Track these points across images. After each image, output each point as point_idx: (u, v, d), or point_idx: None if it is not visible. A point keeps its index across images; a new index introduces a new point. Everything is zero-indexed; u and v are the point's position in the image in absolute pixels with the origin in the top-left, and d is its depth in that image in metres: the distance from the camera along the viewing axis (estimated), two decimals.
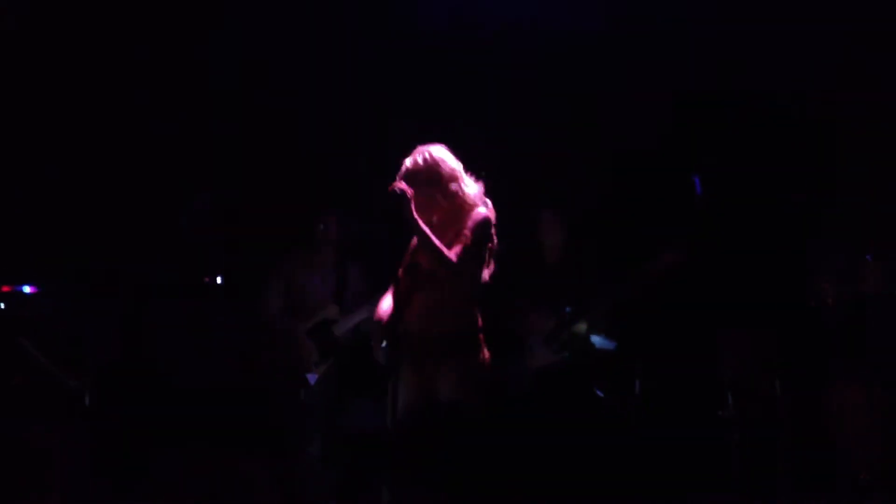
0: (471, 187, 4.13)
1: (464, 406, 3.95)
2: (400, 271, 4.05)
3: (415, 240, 4.03)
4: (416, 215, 3.96)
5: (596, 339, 5.57)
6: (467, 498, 3.71)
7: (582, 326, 5.50)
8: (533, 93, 6.03)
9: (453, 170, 4.09)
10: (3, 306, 4.80)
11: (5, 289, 4.89)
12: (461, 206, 4.09)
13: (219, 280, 4.97)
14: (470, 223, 4.03)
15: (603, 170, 5.99)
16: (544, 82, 6.01)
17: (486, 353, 4.09)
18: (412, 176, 4.05)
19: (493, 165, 4.20)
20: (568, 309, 5.49)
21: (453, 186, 4.08)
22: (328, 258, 5.52)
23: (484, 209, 4.08)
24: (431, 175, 4.06)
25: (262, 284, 5.49)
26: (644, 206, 5.89)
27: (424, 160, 4.08)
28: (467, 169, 4.13)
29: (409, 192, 3.96)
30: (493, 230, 4.07)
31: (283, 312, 5.44)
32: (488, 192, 4.15)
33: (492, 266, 4.09)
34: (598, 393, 5.55)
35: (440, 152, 4.12)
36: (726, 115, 5.76)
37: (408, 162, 4.09)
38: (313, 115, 6.11)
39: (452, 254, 3.98)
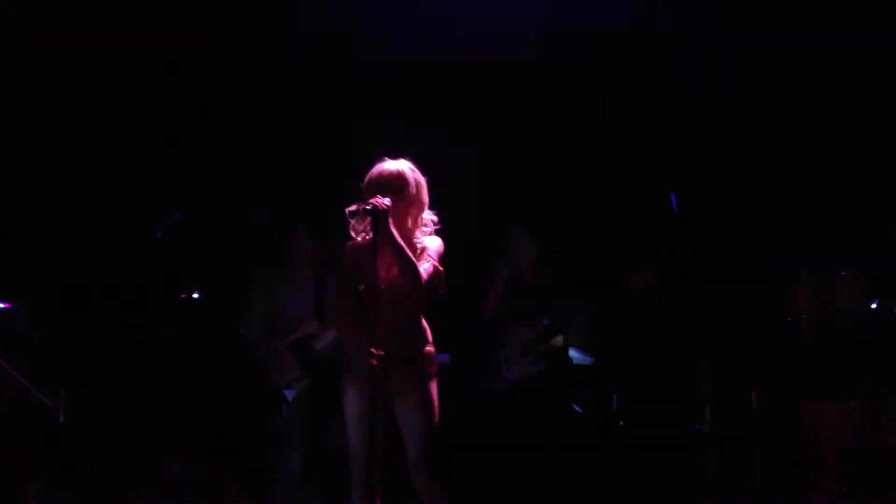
0: (428, 213, 4.16)
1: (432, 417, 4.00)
2: (362, 287, 4.05)
3: (362, 249, 4.01)
4: (393, 230, 3.97)
5: (573, 354, 5.59)
6: None
7: (559, 339, 5.53)
8: (502, 108, 6.04)
9: (420, 184, 4.12)
10: None
11: None
12: (419, 222, 4.12)
13: (195, 296, 4.94)
14: (433, 248, 4.10)
15: (577, 185, 6.01)
16: (514, 97, 6.02)
17: (435, 366, 4.14)
18: (381, 185, 4.05)
19: (466, 182, 4.22)
20: (545, 321, 5.51)
21: (417, 201, 4.10)
22: (306, 274, 5.51)
23: (439, 240, 4.15)
24: (400, 186, 4.08)
25: (242, 303, 5.46)
26: (620, 222, 5.91)
27: (396, 172, 4.10)
28: (431, 184, 4.16)
29: (388, 204, 3.96)
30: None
31: (263, 330, 5.42)
32: (456, 211, 4.19)
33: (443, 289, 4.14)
34: (576, 409, 5.57)
35: (409, 166, 4.14)
36: (702, 129, 5.80)
37: (378, 172, 4.10)
38: (285, 128, 6.11)
39: (424, 273, 4.00)
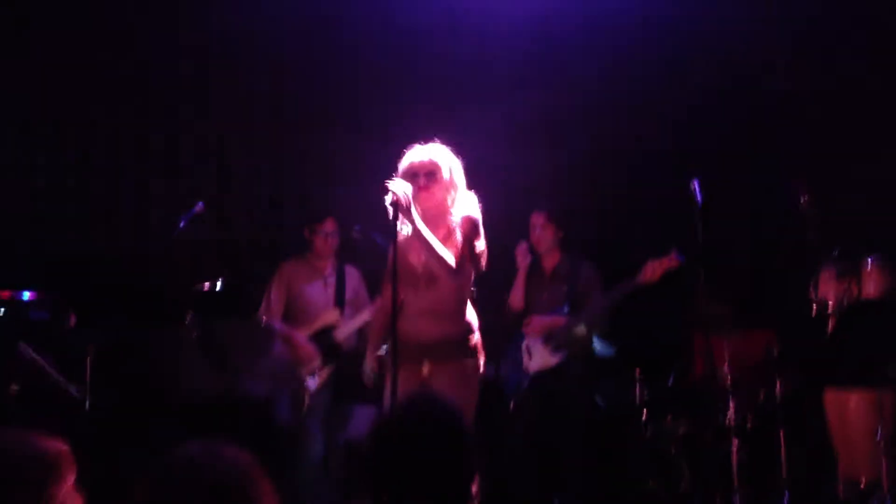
0: (466, 195, 4.14)
1: (459, 408, 3.97)
2: (388, 275, 4.05)
3: (401, 242, 4.01)
4: (416, 218, 3.96)
5: (596, 344, 5.57)
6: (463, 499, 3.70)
7: (581, 328, 5.50)
8: (528, 95, 6.02)
9: (454, 166, 4.11)
10: (2, 312, 4.78)
11: (5, 295, 4.86)
12: (455, 203, 4.10)
13: (218, 286, 4.95)
14: (463, 226, 4.05)
15: (601, 173, 5.99)
16: (538, 82, 6.00)
17: (481, 355, 4.10)
18: (413, 172, 4.05)
19: (491, 169, 4.21)
20: (566, 309, 5.49)
21: (452, 184, 4.09)
22: (327, 264, 5.52)
23: (473, 211, 4.10)
24: (433, 171, 4.07)
25: (264, 291, 5.48)
26: (643, 209, 5.89)
27: (440, 154, 4.09)
28: (472, 171, 4.15)
29: (410, 191, 3.95)
30: (482, 232, 4.09)
31: (284, 319, 5.44)
32: (485, 196, 4.17)
33: (483, 267, 4.11)
34: (599, 402, 5.55)
35: (442, 149, 4.13)
36: (726, 116, 5.77)
37: (409, 159, 4.09)
38: (315, 118, 6.11)
39: (451, 256, 3.98)
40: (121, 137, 6.13)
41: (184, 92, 6.19)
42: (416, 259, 4.05)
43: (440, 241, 4.02)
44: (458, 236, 4.04)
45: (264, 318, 5.42)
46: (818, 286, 4.77)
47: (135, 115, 6.12)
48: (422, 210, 4.04)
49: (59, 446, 2.35)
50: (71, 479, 2.33)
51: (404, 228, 4.01)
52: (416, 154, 4.10)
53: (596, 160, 5.97)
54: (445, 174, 4.08)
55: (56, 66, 5.90)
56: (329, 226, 5.46)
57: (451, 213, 4.10)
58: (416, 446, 2.28)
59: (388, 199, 3.93)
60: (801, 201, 4.80)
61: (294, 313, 5.43)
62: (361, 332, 5.39)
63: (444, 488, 2.25)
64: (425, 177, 4.04)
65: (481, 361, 4.13)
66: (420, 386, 3.98)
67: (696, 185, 4.77)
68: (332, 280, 5.49)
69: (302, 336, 5.35)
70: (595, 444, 5.42)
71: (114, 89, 6.08)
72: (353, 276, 5.55)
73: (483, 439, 5.23)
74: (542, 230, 5.62)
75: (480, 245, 4.08)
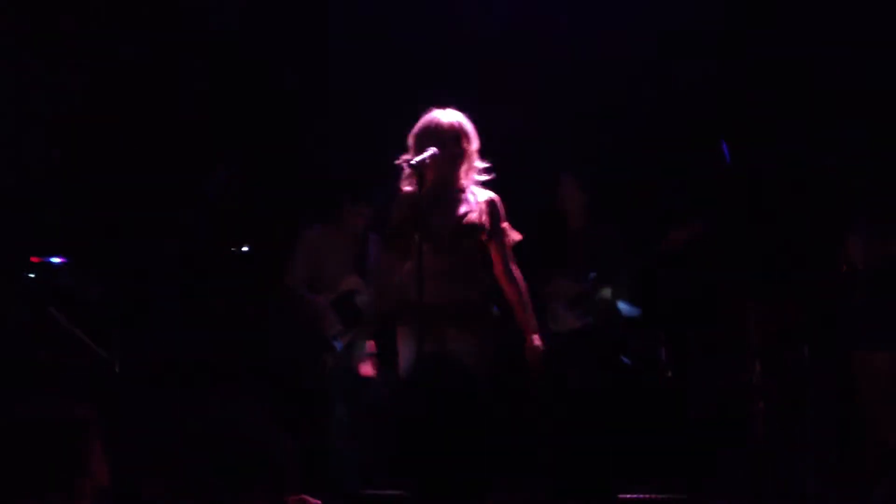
0: (479, 163, 4.14)
1: (477, 371, 3.99)
2: (400, 239, 4.05)
3: (420, 202, 4.00)
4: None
5: (621, 306, 5.56)
6: (483, 463, 3.73)
7: (607, 292, 5.49)
8: (558, 59, 5.97)
9: (473, 135, 4.10)
10: (32, 276, 4.83)
11: (34, 259, 4.91)
12: (470, 171, 4.10)
13: (244, 249, 4.98)
14: (496, 207, 4.12)
15: (629, 134, 5.93)
16: (569, 48, 5.94)
17: (527, 311, 4.15)
18: (438, 136, 4.04)
19: (517, 130, 4.19)
20: (592, 274, 5.48)
21: (471, 152, 4.08)
22: (352, 230, 5.53)
23: (491, 191, 4.14)
24: (458, 136, 4.06)
25: (288, 255, 5.50)
26: (671, 171, 5.84)
27: (456, 122, 4.09)
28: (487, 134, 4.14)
29: (434, 155, 3.96)
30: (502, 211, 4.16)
31: (307, 283, 5.46)
32: (511, 158, 4.18)
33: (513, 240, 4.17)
34: (624, 360, 5.55)
35: (459, 117, 4.11)
36: (754, 78, 5.70)
37: (434, 122, 4.08)
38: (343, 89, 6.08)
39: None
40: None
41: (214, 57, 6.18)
42: (437, 220, 4.06)
43: (466, 212, 4.03)
44: (484, 214, 4.07)
45: (290, 283, 5.44)
46: (847, 248, 4.73)
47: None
48: (440, 176, 4.04)
49: (88, 413, 2.37)
50: (98, 445, 2.35)
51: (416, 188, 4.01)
52: (445, 118, 4.08)
53: (620, 121, 5.92)
54: (471, 143, 4.07)
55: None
56: (366, 209, 5.46)
57: (469, 181, 4.10)
58: (435, 413, 2.25)
59: (416, 159, 3.93)
60: (828, 162, 4.76)
61: (318, 280, 5.46)
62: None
63: (466, 453, 2.23)
64: (453, 142, 4.03)
65: (529, 315, 4.15)
66: (437, 349, 4.00)
67: (724, 145, 4.73)
68: (355, 248, 5.51)
69: (324, 301, 5.37)
70: (619, 405, 5.43)
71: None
72: (376, 243, 5.55)
73: (505, 402, 5.25)
74: (569, 192, 5.59)
75: (503, 223, 4.13)
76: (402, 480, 2.25)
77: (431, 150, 3.95)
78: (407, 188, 4.10)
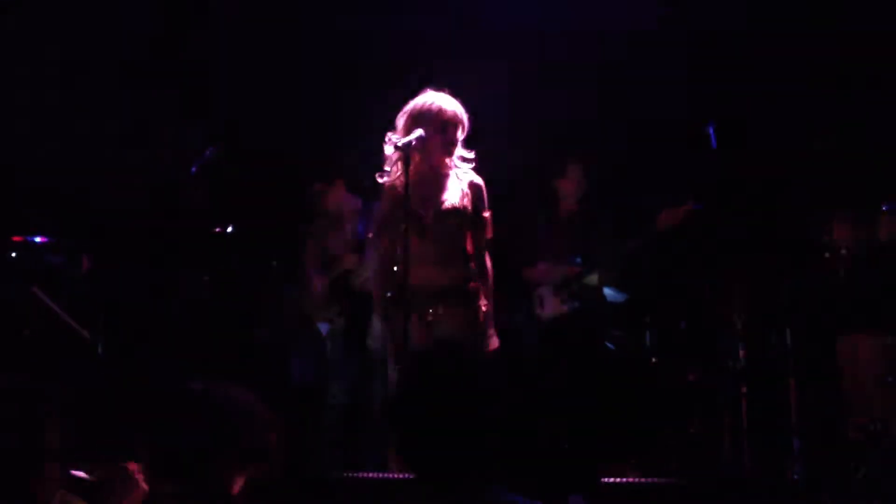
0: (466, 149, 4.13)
1: (467, 352, 3.98)
2: (388, 229, 4.05)
3: (405, 188, 3.97)
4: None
5: (607, 291, 5.56)
6: (473, 446, 3.73)
7: (593, 277, 5.50)
8: (558, 47, 5.95)
9: (465, 123, 4.08)
10: (15, 256, 4.80)
11: (17, 239, 4.88)
12: (454, 157, 4.09)
13: (230, 229, 4.95)
14: (472, 190, 4.10)
15: (616, 120, 5.93)
16: (569, 37, 5.93)
17: (489, 301, 4.12)
18: (444, 122, 4.02)
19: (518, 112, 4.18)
20: (579, 259, 5.48)
21: (454, 137, 4.07)
22: (348, 213, 5.53)
23: (477, 176, 4.14)
24: (459, 125, 4.05)
25: (300, 247, 5.50)
26: (657, 157, 5.84)
27: (460, 111, 4.08)
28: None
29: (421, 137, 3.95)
30: (486, 199, 4.15)
31: (319, 263, 5.47)
32: (493, 145, 4.18)
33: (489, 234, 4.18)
34: (609, 346, 5.55)
35: (457, 103, 4.10)
36: (743, 62, 5.70)
37: (437, 107, 4.06)
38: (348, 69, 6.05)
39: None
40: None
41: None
42: (422, 204, 4.04)
43: (451, 196, 4.03)
44: (468, 198, 4.05)
45: (303, 263, 5.43)
46: (833, 231, 4.74)
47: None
48: (429, 160, 4.03)
49: (44, 388, 2.34)
50: (55, 422, 2.32)
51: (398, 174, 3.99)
52: (446, 104, 4.06)
53: (610, 104, 5.91)
54: (465, 131, 4.08)
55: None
56: (338, 185, 5.43)
57: (457, 168, 4.10)
58: (438, 398, 2.21)
59: (403, 141, 3.92)
60: (818, 141, 4.77)
61: (322, 260, 5.46)
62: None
63: (470, 438, 2.20)
64: (452, 129, 4.03)
65: (485, 307, 4.13)
66: (428, 333, 3.99)
67: (711, 129, 4.74)
68: (353, 227, 5.50)
69: (323, 283, 5.37)
70: (605, 390, 5.44)
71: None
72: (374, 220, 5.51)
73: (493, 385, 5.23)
74: (575, 182, 5.58)
75: (486, 212, 4.13)
76: (407, 463, 2.22)
77: (419, 132, 3.94)
78: (392, 173, 4.06)
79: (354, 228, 5.49)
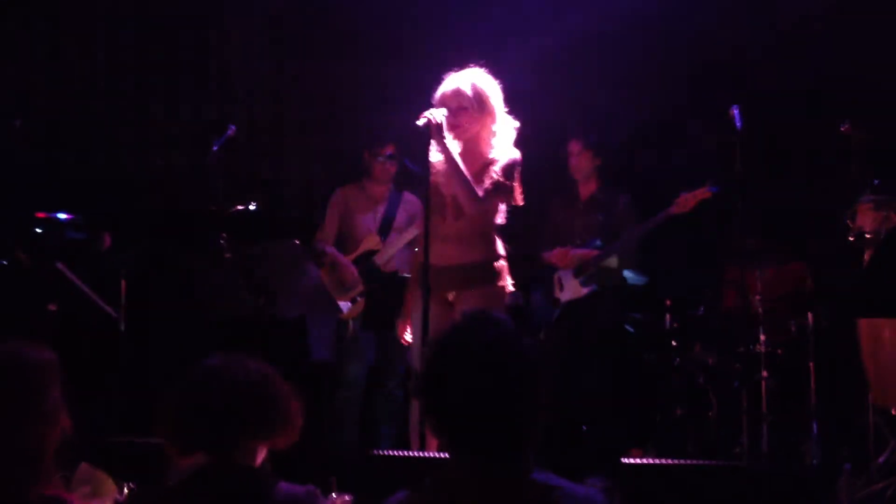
0: (504, 122, 4.10)
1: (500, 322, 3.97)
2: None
3: (438, 170, 4.00)
4: (447, 145, 3.95)
5: (627, 274, 5.56)
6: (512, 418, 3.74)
7: (613, 260, 5.48)
8: (568, 29, 5.93)
9: (484, 95, 4.06)
10: (39, 232, 4.83)
11: (41, 215, 4.92)
12: (491, 135, 4.07)
13: (252, 207, 4.97)
14: (502, 162, 4.03)
15: (638, 100, 5.90)
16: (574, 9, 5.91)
17: (507, 281, 4.10)
18: (443, 103, 4.02)
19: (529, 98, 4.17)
20: (598, 242, 5.47)
21: (483, 112, 4.05)
22: (383, 190, 5.54)
23: (516, 152, 4.07)
24: (473, 99, 4.03)
25: (320, 214, 5.52)
26: (680, 136, 5.83)
27: (470, 83, 4.05)
28: (507, 101, 4.11)
29: (443, 116, 3.94)
30: (519, 172, 4.08)
31: (333, 241, 5.49)
32: (523, 126, 4.14)
33: (518, 201, 4.10)
34: (629, 328, 5.55)
35: (485, 78, 4.09)
36: (768, 39, 5.66)
37: (451, 81, 4.05)
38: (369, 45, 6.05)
39: (480, 189, 3.97)
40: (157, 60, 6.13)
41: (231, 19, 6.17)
42: (444, 186, 4.05)
43: (474, 172, 4.00)
44: (495, 171, 4.01)
45: (320, 242, 5.44)
46: (856, 216, 4.71)
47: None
48: (459, 141, 4.02)
49: (46, 355, 2.34)
50: (56, 390, 2.32)
51: (435, 155, 4.00)
52: (446, 84, 4.06)
53: (632, 87, 5.89)
54: (476, 104, 4.03)
55: None
56: (389, 150, 5.44)
57: (489, 145, 4.07)
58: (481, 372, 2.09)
59: (421, 122, 3.92)
60: (843, 129, 4.73)
61: (343, 239, 5.48)
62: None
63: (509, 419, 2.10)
64: (454, 108, 4.01)
65: (508, 287, 4.13)
66: (446, 311, 4.00)
67: (735, 111, 4.71)
68: (382, 207, 5.51)
69: (348, 261, 5.39)
70: (624, 374, 5.44)
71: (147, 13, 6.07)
72: (411, 203, 5.50)
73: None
74: (578, 158, 5.59)
75: (514, 182, 4.06)
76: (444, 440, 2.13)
77: (436, 113, 3.93)
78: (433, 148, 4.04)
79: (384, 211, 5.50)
